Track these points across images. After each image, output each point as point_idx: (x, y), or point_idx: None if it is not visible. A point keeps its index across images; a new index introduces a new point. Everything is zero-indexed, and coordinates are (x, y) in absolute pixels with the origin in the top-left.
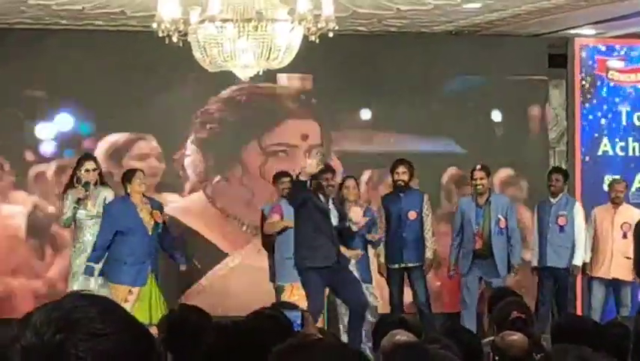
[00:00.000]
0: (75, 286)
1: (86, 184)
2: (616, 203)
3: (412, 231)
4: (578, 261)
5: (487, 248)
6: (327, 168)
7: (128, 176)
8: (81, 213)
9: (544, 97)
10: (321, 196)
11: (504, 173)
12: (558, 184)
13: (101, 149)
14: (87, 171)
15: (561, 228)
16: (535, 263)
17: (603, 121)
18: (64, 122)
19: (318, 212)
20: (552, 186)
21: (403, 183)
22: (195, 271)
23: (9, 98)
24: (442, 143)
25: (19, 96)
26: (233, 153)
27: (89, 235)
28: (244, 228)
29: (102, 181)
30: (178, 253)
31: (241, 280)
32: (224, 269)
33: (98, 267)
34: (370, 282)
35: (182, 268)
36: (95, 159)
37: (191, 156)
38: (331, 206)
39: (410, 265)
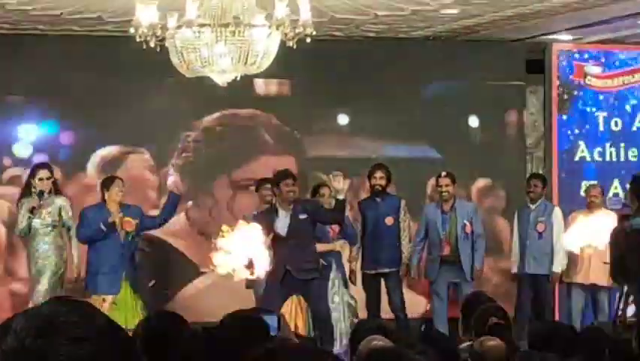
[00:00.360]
0: (39, 288)
1: (41, 193)
2: (591, 208)
3: (388, 236)
4: (557, 268)
5: (454, 254)
6: (287, 175)
7: (107, 183)
8: (36, 222)
9: (522, 103)
10: (280, 210)
11: (482, 183)
12: (537, 190)
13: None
14: (41, 179)
15: (540, 234)
16: (514, 270)
17: (580, 127)
18: (41, 126)
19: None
20: (531, 192)
21: (380, 188)
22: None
23: None
24: (419, 148)
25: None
26: (205, 184)
27: (43, 243)
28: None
29: (57, 190)
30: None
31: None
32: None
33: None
34: (346, 286)
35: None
36: (49, 168)
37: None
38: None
39: (386, 270)
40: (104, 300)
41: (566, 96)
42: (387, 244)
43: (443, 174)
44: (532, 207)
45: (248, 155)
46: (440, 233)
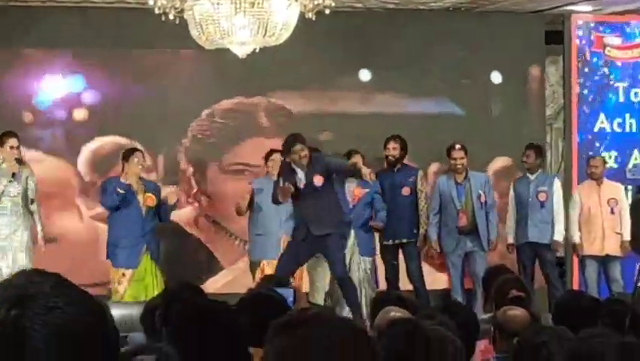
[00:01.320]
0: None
1: (18, 160)
2: (595, 180)
3: (405, 207)
4: (558, 236)
5: (471, 224)
6: (295, 140)
7: (126, 155)
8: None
9: (542, 74)
10: (298, 170)
11: (500, 162)
12: (529, 160)
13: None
14: (11, 148)
15: (542, 203)
16: (511, 240)
17: (600, 98)
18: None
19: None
20: (525, 163)
21: (393, 159)
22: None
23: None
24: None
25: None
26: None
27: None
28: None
29: (21, 160)
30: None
31: None
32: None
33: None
34: (369, 255)
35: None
36: (17, 136)
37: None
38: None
39: (404, 240)
40: (123, 274)
41: (585, 67)
42: (405, 214)
43: (457, 146)
44: (532, 177)
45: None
46: (457, 205)
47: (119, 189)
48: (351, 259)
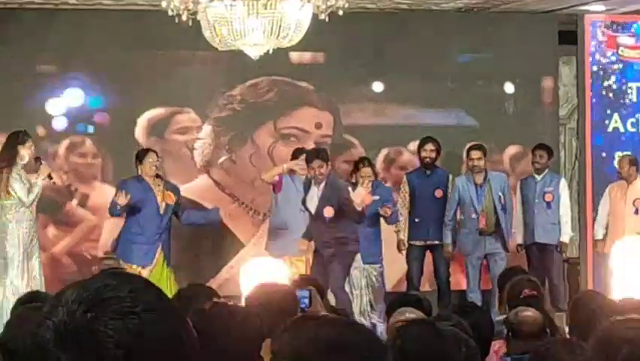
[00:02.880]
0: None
1: (37, 159)
2: (625, 179)
3: (437, 209)
4: (565, 238)
5: (491, 226)
6: (316, 156)
7: (140, 156)
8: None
9: (555, 74)
10: (313, 186)
11: (513, 149)
12: (542, 161)
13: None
14: (30, 148)
15: (548, 204)
16: (520, 240)
17: (614, 98)
18: (74, 97)
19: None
20: (536, 163)
21: (430, 161)
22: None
23: (21, 75)
24: (453, 115)
25: (31, 73)
26: (246, 133)
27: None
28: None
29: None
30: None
31: None
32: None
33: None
34: (377, 262)
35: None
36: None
37: (203, 140)
38: (320, 191)
39: (436, 242)
40: (139, 273)
41: (598, 67)
42: (437, 216)
43: (474, 146)
44: (538, 178)
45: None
46: (476, 207)
47: (118, 204)
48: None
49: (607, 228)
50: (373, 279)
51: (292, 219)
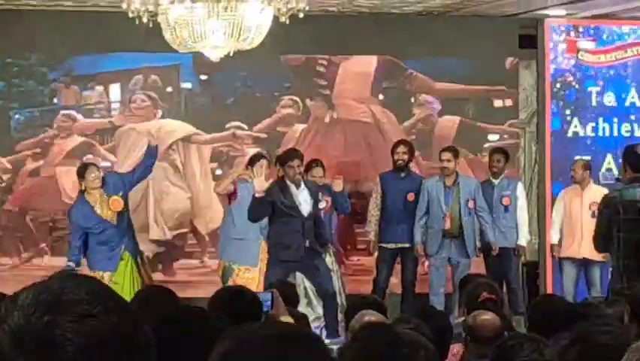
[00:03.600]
0: None
1: None
2: (578, 183)
3: (409, 212)
4: (522, 241)
5: (456, 229)
6: (292, 156)
7: (81, 171)
8: None
9: (514, 78)
10: (291, 186)
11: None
12: (499, 165)
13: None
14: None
15: (506, 208)
16: (478, 244)
17: (573, 102)
18: None
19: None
20: (494, 167)
21: (403, 163)
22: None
23: None
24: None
25: None
26: None
27: None
28: None
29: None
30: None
31: None
32: None
33: (78, 269)
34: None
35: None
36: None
37: None
38: (303, 191)
39: (407, 245)
40: (101, 277)
41: (558, 72)
42: (407, 220)
43: (445, 148)
44: (496, 182)
45: None
46: (443, 208)
47: (68, 267)
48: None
49: (561, 232)
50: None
51: (248, 228)
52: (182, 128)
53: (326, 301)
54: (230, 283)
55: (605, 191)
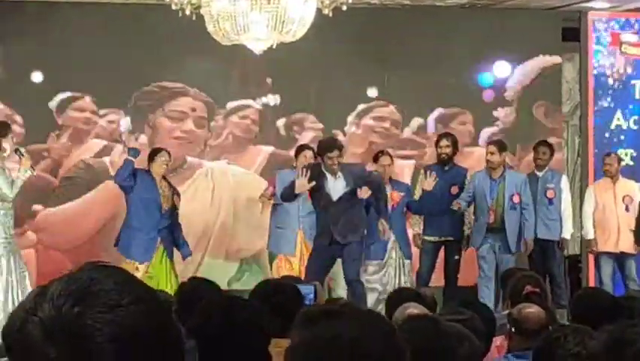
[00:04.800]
0: None
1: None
2: (610, 177)
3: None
4: (566, 234)
5: (499, 223)
6: (332, 147)
7: (152, 154)
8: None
9: (558, 70)
10: (327, 174)
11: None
12: (545, 157)
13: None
14: (11, 138)
15: (550, 201)
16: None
17: (616, 95)
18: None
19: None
20: (539, 159)
21: (446, 157)
22: None
23: (25, 70)
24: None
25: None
26: None
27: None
28: None
29: None
30: (184, 243)
31: None
32: None
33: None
34: (410, 258)
35: (186, 259)
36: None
37: None
38: (339, 179)
39: (450, 238)
40: (137, 268)
41: (601, 64)
42: (452, 212)
43: (491, 141)
44: (540, 174)
45: None
46: (488, 201)
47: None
48: (387, 262)
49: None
50: (409, 275)
51: (289, 217)
52: None
53: (349, 288)
54: (274, 267)
55: (635, 184)
